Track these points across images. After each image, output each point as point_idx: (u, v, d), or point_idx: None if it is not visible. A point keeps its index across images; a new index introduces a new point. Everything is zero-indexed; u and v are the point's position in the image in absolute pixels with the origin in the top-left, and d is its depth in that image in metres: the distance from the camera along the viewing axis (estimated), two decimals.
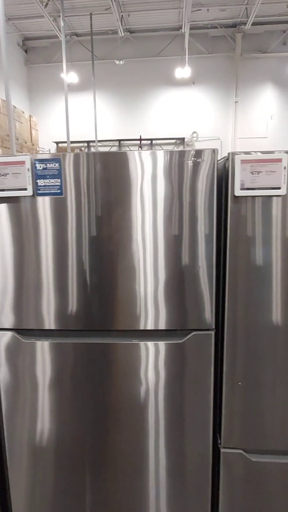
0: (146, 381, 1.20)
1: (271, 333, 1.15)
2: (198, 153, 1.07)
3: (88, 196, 1.11)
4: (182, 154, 1.07)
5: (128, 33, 8.01)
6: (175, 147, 8.24)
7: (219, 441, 1.24)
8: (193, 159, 1.06)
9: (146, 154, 1.08)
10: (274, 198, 1.06)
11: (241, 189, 1.06)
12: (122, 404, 1.21)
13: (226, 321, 1.15)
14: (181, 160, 1.07)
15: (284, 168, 1.04)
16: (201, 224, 1.10)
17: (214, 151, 1.07)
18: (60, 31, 6.69)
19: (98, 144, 7.97)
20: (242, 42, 7.87)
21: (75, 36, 8.11)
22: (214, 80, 8.20)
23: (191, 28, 7.44)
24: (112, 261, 1.14)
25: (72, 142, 6.53)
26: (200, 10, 7.07)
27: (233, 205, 1.08)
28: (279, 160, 1.04)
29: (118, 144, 8.48)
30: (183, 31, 7.42)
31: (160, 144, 8.43)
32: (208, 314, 1.16)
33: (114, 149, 8.46)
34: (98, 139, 7.75)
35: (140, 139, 8.01)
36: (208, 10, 7.10)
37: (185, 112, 8.35)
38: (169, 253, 1.12)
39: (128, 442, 1.23)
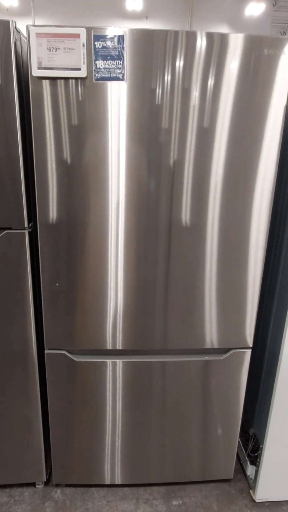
0: None
1: (85, 230, 1.12)
2: None
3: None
4: None
5: None
6: None
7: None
8: None
9: None
10: (76, 81, 0.98)
11: (39, 68, 0.96)
12: None
13: (38, 219, 1.10)
14: None
15: (83, 45, 0.95)
16: (2, 112, 1.01)
17: (11, 22, 0.95)
18: None
19: None
20: None
21: None
22: (168, 16, 7.64)
23: None
24: None
25: None
26: None
27: (34, 87, 0.99)
28: (77, 36, 0.94)
29: None
30: None
31: None
32: (20, 213, 1.10)
33: None
34: None
35: None
36: None
37: None
38: None
39: None
